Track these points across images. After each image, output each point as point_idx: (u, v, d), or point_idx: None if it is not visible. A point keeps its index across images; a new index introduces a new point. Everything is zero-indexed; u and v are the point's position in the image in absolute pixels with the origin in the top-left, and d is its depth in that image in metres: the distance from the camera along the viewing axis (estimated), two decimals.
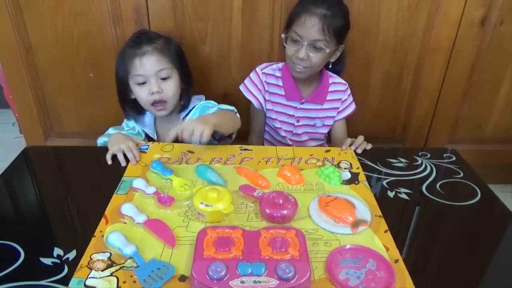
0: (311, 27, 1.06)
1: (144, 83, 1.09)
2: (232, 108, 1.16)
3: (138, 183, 0.88)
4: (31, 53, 1.39)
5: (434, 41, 1.37)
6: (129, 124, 1.23)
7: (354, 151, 1.06)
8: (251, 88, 1.25)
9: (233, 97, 1.47)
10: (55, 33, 1.35)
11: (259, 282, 0.61)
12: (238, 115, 1.16)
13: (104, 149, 1.03)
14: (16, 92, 1.48)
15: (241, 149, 1.04)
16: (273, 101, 1.25)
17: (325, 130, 1.29)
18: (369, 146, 1.09)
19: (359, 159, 1.02)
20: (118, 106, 1.47)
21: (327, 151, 1.05)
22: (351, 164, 0.99)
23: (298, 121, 1.26)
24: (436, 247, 0.79)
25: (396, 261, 0.70)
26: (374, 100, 1.50)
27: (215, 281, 0.61)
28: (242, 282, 0.61)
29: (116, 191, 0.87)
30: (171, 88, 1.11)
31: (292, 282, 0.62)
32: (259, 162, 0.99)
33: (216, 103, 1.18)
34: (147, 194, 0.85)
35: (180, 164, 0.98)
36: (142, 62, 1.06)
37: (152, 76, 1.08)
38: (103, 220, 0.78)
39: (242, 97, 1.39)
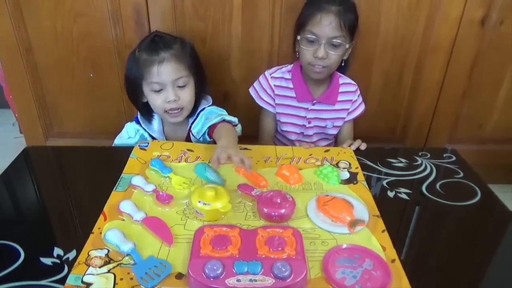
0: (328, 24, 1.06)
1: (160, 90, 1.05)
2: (235, 120, 1.12)
3: (137, 180, 0.88)
4: (31, 53, 1.40)
5: (434, 41, 1.37)
6: (130, 131, 1.15)
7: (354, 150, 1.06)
8: (262, 94, 1.24)
9: (233, 97, 1.47)
10: (55, 33, 1.35)
11: (255, 280, 0.61)
12: (239, 126, 1.14)
13: (105, 149, 1.02)
14: (16, 92, 1.49)
15: (240, 149, 1.04)
16: (283, 104, 1.23)
17: (335, 131, 1.28)
18: (363, 146, 1.08)
19: (358, 159, 1.02)
20: (118, 106, 1.48)
21: (326, 150, 1.05)
22: (350, 164, 0.99)
23: (309, 123, 1.25)
24: (436, 247, 0.79)
25: (393, 261, 0.70)
26: (374, 100, 1.49)
27: (211, 279, 0.61)
28: (238, 280, 0.61)
29: (115, 187, 0.87)
30: (187, 96, 1.08)
31: (288, 281, 0.62)
32: (258, 161, 0.99)
33: (221, 111, 1.15)
34: (146, 192, 0.85)
35: (179, 162, 0.98)
36: (160, 70, 1.02)
37: (169, 84, 1.04)
38: (101, 217, 0.78)
39: (242, 97, 1.39)
